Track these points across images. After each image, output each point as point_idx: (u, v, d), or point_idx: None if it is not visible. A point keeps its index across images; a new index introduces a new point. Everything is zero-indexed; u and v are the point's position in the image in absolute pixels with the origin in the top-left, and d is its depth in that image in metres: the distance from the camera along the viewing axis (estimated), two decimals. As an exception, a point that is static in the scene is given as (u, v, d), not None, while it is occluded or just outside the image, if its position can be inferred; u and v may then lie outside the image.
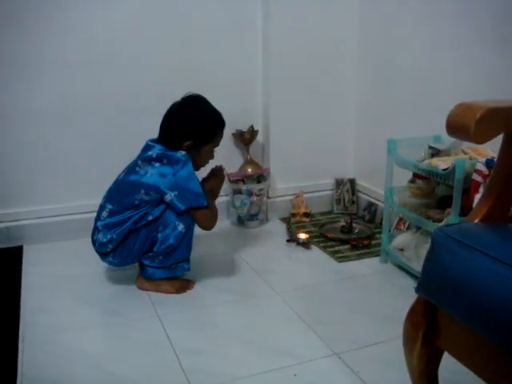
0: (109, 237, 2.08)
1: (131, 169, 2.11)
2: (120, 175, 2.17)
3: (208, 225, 2.16)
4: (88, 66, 2.56)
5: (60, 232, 2.64)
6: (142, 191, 2.04)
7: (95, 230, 2.13)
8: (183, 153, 2.06)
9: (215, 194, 2.21)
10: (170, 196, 2.03)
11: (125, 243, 2.08)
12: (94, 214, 2.18)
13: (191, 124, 2.10)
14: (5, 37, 2.41)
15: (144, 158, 2.09)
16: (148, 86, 2.66)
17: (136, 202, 2.06)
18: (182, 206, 2.04)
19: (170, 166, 2.05)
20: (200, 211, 2.09)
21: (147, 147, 2.13)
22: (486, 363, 1.15)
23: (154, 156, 2.07)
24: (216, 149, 2.23)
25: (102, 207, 2.14)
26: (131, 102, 2.66)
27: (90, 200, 2.53)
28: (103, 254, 2.14)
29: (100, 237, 2.10)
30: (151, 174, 2.05)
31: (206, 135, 2.14)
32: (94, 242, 2.14)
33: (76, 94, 2.58)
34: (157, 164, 2.06)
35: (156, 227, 2.08)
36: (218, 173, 2.24)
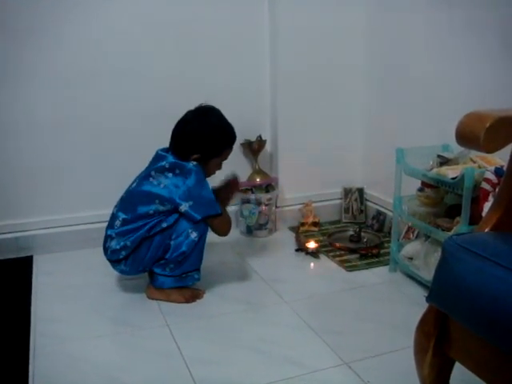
0: (122, 244, 2.08)
1: (144, 178, 2.12)
2: (132, 184, 2.18)
3: (224, 231, 2.19)
4: (92, 77, 2.57)
5: (69, 242, 2.65)
6: (157, 201, 2.06)
7: (107, 237, 2.13)
8: (195, 163, 2.08)
9: (227, 203, 2.26)
10: (185, 207, 2.04)
11: (137, 251, 2.09)
12: (104, 224, 2.19)
13: (200, 137, 2.12)
14: (8, 46, 2.43)
15: (157, 169, 2.10)
16: (154, 96, 2.66)
17: (151, 212, 2.07)
18: (197, 216, 2.06)
19: (183, 176, 2.06)
20: (216, 219, 2.12)
21: (159, 157, 2.14)
22: (498, 373, 1.14)
23: (167, 166, 2.08)
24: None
25: (114, 216, 2.15)
26: (138, 113, 2.66)
27: (99, 210, 2.55)
28: (115, 262, 2.14)
29: (113, 244, 2.10)
30: (165, 186, 2.06)
31: (214, 149, 2.16)
32: (105, 249, 2.14)
33: (83, 104, 2.59)
34: (170, 174, 2.07)
35: (169, 235, 2.08)
36: (232, 184, 2.29)
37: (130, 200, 2.13)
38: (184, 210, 2.05)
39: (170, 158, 2.10)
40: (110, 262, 2.17)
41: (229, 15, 2.72)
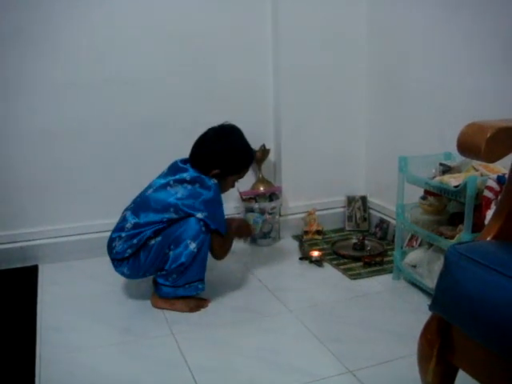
0: (129, 243, 2.10)
1: (162, 187, 2.15)
2: (147, 190, 2.19)
3: (220, 254, 2.24)
4: (99, 85, 2.59)
5: (75, 251, 2.66)
6: (172, 210, 2.09)
7: (115, 238, 2.14)
8: (215, 181, 2.13)
9: (235, 236, 2.34)
10: (201, 215, 2.09)
11: (137, 255, 2.10)
12: (109, 233, 2.19)
13: (222, 154, 2.17)
14: (15, 54, 2.45)
15: (177, 179, 2.13)
16: (161, 104, 2.68)
17: (164, 219, 2.09)
18: (213, 225, 2.12)
19: (202, 189, 2.11)
20: (218, 238, 2.17)
21: (179, 168, 2.18)
22: (500, 380, 1.15)
23: (188, 179, 2.12)
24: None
25: (125, 219, 2.16)
26: (145, 121, 2.68)
27: (104, 219, 2.56)
28: (119, 261, 2.15)
29: (120, 243, 2.11)
30: (182, 196, 2.10)
31: (234, 167, 2.22)
32: (111, 248, 2.15)
33: (89, 113, 2.61)
34: (189, 186, 2.12)
35: (168, 244, 2.10)
36: (245, 228, 2.42)
37: (144, 205, 2.15)
38: (201, 217, 2.09)
39: (192, 172, 2.14)
40: (113, 261, 2.17)
41: (231, 24, 2.74)
